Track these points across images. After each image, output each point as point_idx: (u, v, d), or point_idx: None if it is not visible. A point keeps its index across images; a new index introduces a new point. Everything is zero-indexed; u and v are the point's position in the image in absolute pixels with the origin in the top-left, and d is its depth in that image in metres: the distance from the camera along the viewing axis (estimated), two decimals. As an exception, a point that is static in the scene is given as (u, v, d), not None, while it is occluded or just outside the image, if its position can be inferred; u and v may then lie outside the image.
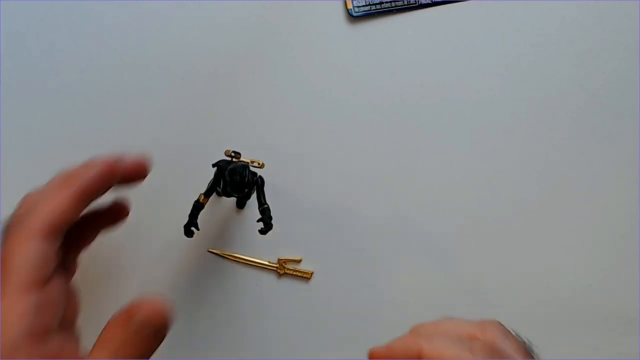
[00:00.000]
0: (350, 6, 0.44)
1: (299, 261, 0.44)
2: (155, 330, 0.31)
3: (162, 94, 0.44)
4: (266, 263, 0.44)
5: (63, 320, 0.32)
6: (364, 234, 0.44)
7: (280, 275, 0.44)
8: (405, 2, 0.44)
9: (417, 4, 0.44)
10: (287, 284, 0.44)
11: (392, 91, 0.45)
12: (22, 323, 0.29)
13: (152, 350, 0.32)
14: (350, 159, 0.44)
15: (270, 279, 0.44)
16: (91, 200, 0.34)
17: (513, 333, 0.31)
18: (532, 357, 0.30)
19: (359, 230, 0.44)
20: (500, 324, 0.31)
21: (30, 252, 0.31)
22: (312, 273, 0.44)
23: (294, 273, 0.44)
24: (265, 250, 0.44)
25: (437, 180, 0.45)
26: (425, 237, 0.44)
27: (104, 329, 0.31)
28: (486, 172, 0.45)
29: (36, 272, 0.31)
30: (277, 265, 0.44)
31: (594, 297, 0.45)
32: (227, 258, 0.44)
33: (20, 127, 0.43)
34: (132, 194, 0.44)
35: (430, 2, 0.44)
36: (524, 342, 0.31)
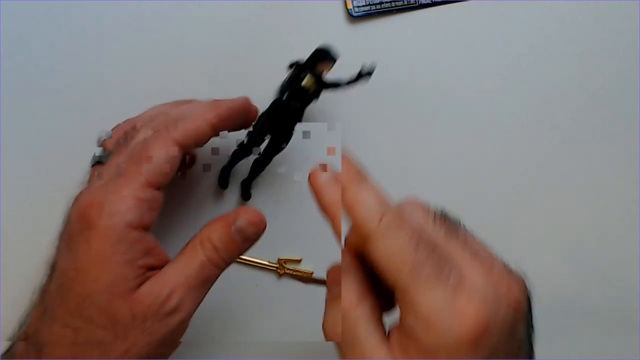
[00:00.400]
0: (350, 6, 0.44)
1: (299, 261, 0.44)
2: (252, 236, 0.35)
3: (161, 94, 0.44)
4: (266, 263, 0.44)
5: None
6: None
7: (280, 275, 0.44)
8: (405, 2, 0.44)
9: (417, 4, 0.44)
10: (287, 284, 0.44)
11: (392, 91, 0.45)
12: (132, 214, 0.32)
13: (241, 254, 0.35)
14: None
15: (270, 279, 0.44)
16: (225, 128, 0.37)
17: (429, 207, 0.31)
18: (447, 224, 0.30)
19: (359, 230, 0.44)
20: (417, 200, 0.31)
21: (166, 155, 0.34)
22: (312, 273, 0.44)
23: (294, 273, 0.44)
24: (265, 250, 0.44)
25: (435, 181, 0.45)
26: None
27: (201, 231, 0.35)
28: (485, 172, 0.45)
29: (162, 173, 0.34)
30: (277, 265, 0.44)
31: (594, 297, 0.45)
32: (227, 258, 0.44)
33: (20, 127, 0.43)
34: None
35: (430, 2, 0.44)
36: (439, 212, 0.31)
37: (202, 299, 0.34)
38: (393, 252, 0.27)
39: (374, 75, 0.45)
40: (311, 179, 0.31)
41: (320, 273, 0.44)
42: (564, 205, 0.45)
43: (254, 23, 0.44)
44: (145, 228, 0.33)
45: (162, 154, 0.34)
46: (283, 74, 0.44)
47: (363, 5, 0.44)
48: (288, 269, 0.44)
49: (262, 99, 0.44)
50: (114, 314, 0.31)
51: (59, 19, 0.43)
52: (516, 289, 0.28)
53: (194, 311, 0.34)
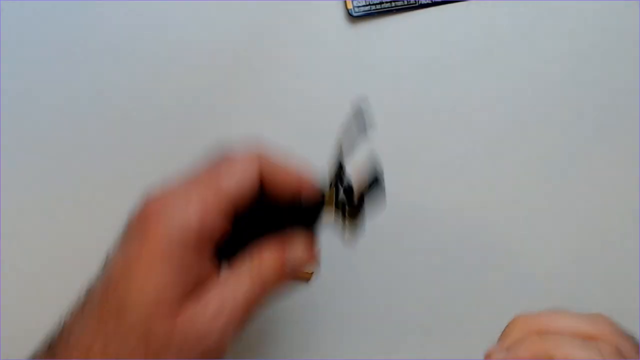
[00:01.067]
0: (350, 6, 0.44)
1: (299, 261, 0.44)
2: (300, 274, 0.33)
3: (161, 93, 0.44)
4: (266, 263, 0.44)
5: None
6: (364, 233, 0.44)
7: (280, 275, 0.44)
8: (405, 2, 0.44)
9: (417, 4, 0.44)
10: (287, 284, 0.44)
11: (392, 91, 0.45)
12: (191, 231, 0.29)
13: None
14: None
15: (270, 279, 0.44)
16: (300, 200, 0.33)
17: (622, 329, 0.30)
18: None
19: (359, 230, 0.44)
20: (608, 318, 0.30)
21: (242, 182, 0.31)
22: (312, 273, 0.44)
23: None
24: (265, 250, 0.44)
25: (436, 181, 0.45)
26: (425, 237, 0.44)
27: (253, 262, 0.32)
28: (485, 172, 0.45)
29: (234, 199, 0.31)
30: (277, 266, 0.44)
31: (594, 297, 0.45)
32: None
33: (20, 127, 0.43)
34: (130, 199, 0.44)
35: (430, 2, 0.44)
36: (633, 338, 0.30)
37: (246, 325, 0.31)
38: None
39: (374, 76, 0.45)
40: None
41: (321, 273, 0.44)
42: (563, 206, 0.45)
43: (254, 23, 0.44)
44: (204, 243, 0.30)
45: (239, 178, 0.31)
46: (282, 74, 0.44)
47: (363, 5, 0.44)
48: (288, 269, 0.44)
49: (262, 99, 0.44)
50: (151, 328, 0.29)
51: (59, 18, 0.43)
52: None
53: (236, 336, 0.31)
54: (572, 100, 0.45)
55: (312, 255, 0.33)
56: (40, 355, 0.31)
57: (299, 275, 0.40)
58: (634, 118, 0.45)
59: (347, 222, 0.33)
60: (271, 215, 0.33)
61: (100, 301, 0.30)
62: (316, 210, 0.33)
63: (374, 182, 0.32)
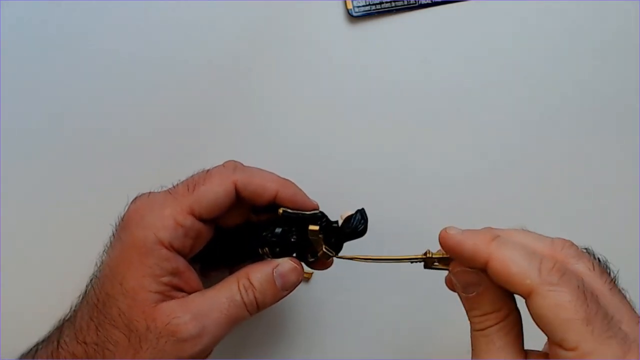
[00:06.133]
0: (350, 6, 0.44)
1: (299, 261, 0.44)
2: (290, 284, 0.35)
3: (160, 95, 0.44)
4: (266, 263, 0.44)
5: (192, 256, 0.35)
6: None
7: (280, 275, 0.44)
8: (405, 2, 0.44)
9: (417, 4, 0.44)
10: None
11: (392, 91, 0.45)
12: (165, 232, 0.33)
13: (274, 302, 0.35)
14: (350, 159, 0.44)
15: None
16: (283, 205, 0.36)
17: (586, 252, 0.30)
18: (609, 275, 0.30)
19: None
20: (572, 243, 0.30)
21: (217, 190, 0.34)
22: (312, 273, 0.44)
23: (294, 273, 0.44)
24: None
25: (437, 181, 0.45)
26: (426, 237, 0.44)
27: (241, 269, 0.34)
28: (484, 172, 0.45)
29: (207, 207, 0.34)
30: (277, 265, 0.44)
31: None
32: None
33: (20, 127, 0.43)
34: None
35: (430, 2, 0.44)
36: (599, 260, 0.30)
37: (224, 336, 0.33)
38: (562, 306, 0.26)
39: (374, 75, 0.45)
40: (444, 236, 0.30)
41: (321, 273, 0.44)
42: (563, 205, 0.45)
43: (254, 23, 0.44)
44: (177, 251, 0.33)
45: (214, 188, 0.34)
46: (282, 74, 0.44)
47: (363, 5, 0.44)
48: (288, 269, 0.44)
49: (262, 99, 0.44)
50: (131, 320, 0.32)
51: (60, 18, 0.44)
52: None
53: (213, 346, 0.33)
54: (571, 100, 0.45)
55: (300, 271, 0.35)
56: (53, 329, 0.35)
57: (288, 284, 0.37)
58: (634, 118, 0.45)
59: (324, 248, 0.35)
60: (256, 233, 0.36)
61: (95, 292, 0.33)
62: (300, 222, 0.35)
63: (357, 213, 0.36)
